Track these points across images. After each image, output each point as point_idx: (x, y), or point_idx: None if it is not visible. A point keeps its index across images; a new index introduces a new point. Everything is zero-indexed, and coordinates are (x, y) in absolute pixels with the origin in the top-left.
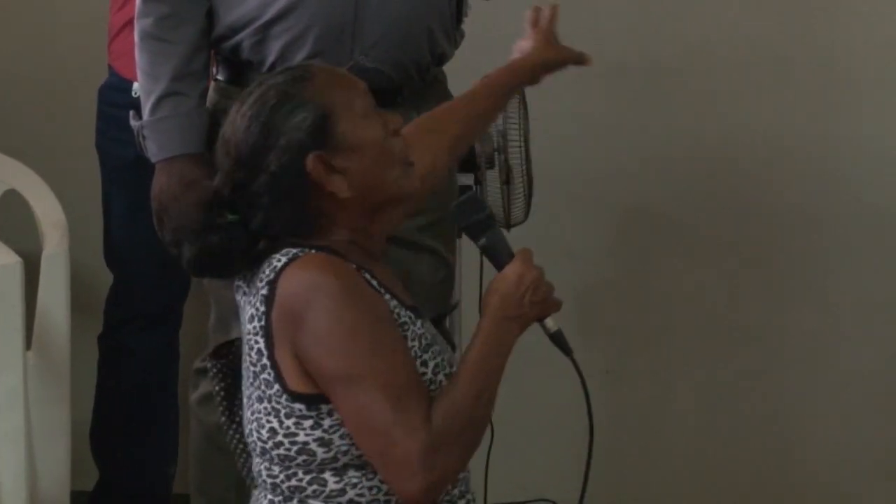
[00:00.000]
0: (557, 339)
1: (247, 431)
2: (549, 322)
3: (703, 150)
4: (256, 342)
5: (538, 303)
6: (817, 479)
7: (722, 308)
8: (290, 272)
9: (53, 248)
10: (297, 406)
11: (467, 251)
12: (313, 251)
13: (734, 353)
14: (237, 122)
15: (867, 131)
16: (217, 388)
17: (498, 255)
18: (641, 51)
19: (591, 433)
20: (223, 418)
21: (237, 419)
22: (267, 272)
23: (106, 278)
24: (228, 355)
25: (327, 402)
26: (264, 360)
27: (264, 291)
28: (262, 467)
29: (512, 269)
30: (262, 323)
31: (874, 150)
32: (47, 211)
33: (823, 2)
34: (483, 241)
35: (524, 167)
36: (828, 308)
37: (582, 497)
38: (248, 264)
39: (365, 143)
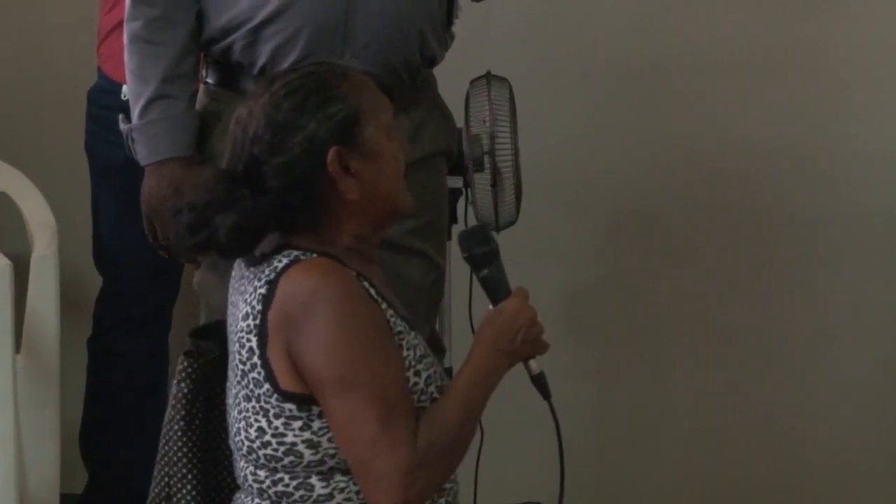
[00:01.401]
0: (539, 381)
1: (232, 432)
2: (533, 364)
3: (696, 152)
4: (248, 340)
5: (529, 342)
6: (812, 480)
7: (715, 310)
8: (293, 274)
9: (43, 251)
10: (288, 406)
11: (458, 255)
12: (315, 255)
13: (727, 354)
14: (265, 99)
15: (862, 134)
16: (185, 390)
17: (496, 290)
18: (638, 52)
19: (562, 467)
20: (177, 426)
21: (194, 427)
22: (267, 272)
23: (95, 281)
24: (201, 358)
25: (318, 404)
26: (255, 359)
27: (262, 290)
28: (248, 471)
29: (509, 306)
30: (257, 321)
31: (868, 153)
32: (36, 213)
33: (821, 5)
34: (485, 273)
35: (513, 169)
36: (822, 310)
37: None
38: (251, 250)
39: (384, 155)
